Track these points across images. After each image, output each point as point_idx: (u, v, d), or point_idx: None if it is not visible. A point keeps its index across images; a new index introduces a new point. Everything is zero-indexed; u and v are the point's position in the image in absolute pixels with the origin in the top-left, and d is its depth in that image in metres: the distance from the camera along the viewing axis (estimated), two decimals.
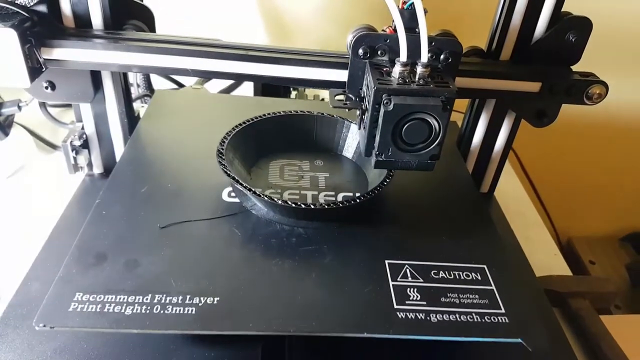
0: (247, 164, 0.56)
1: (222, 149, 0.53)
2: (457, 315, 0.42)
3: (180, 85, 0.92)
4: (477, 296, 0.44)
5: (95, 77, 0.59)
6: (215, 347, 0.45)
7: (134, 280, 0.42)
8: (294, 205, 0.47)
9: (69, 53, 0.52)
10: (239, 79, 0.55)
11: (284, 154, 0.59)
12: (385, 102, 0.40)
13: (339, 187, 0.55)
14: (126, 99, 0.62)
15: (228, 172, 0.50)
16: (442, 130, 0.41)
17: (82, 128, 0.63)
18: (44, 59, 0.51)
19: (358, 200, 0.49)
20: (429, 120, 0.41)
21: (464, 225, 0.53)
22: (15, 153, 0.76)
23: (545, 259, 0.71)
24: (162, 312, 0.40)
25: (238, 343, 0.45)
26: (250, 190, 0.48)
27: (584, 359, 0.57)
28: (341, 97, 0.49)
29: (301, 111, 0.61)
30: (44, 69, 0.52)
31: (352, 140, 0.60)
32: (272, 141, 0.59)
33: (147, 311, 0.40)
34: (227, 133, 0.55)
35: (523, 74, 0.56)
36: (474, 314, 0.42)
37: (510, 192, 0.80)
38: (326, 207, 0.48)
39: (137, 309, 0.40)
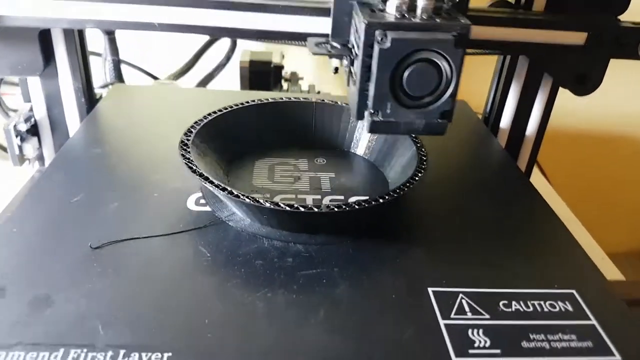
0: (223, 162, 0.41)
1: (188, 139, 0.38)
2: None
3: (155, 78, 0.78)
4: (574, 337, 0.28)
5: (45, 43, 0.47)
6: None
7: (40, 327, 0.27)
8: (288, 208, 0.32)
9: (7, 4, 0.41)
10: (216, 33, 0.46)
11: (273, 152, 0.45)
12: (379, 38, 0.30)
13: (350, 190, 0.40)
14: (84, 73, 0.51)
15: (193, 166, 0.35)
16: (455, 76, 0.31)
17: (30, 110, 0.51)
18: None
19: (389, 197, 0.34)
20: (438, 62, 0.30)
21: (526, 234, 0.38)
22: None
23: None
24: None
25: None
26: (224, 189, 0.33)
27: None
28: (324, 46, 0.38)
29: (295, 98, 0.46)
30: None
31: (364, 132, 0.45)
32: (258, 135, 0.45)
33: None
34: (195, 122, 0.41)
35: (565, 22, 0.45)
36: None
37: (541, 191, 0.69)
38: (336, 210, 0.33)
39: None
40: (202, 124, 0.40)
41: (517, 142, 0.55)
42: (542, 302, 0.30)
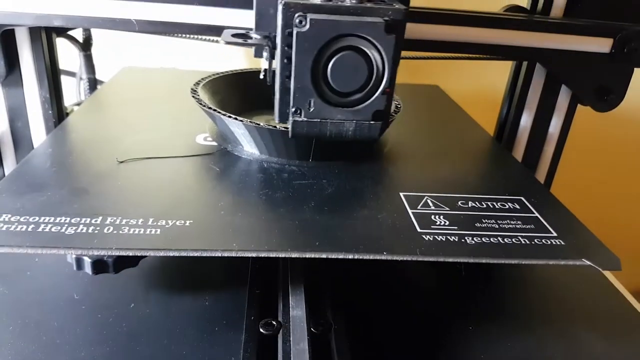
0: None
1: (196, 88, 0.45)
2: (500, 239, 0.32)
3: None
4: (519, 222, 0.35)
5: (8, 46, 0.43)
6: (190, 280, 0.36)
7: (81, 204, 0.32)
8: (283, 128, 0.38)
9: None
10: (202, 32, 0.42)
11: (269, 110, 0.51)
12: (298, 21, 0.27)
13: None
14: (52, 82, 0.46)
15: (202, 102, 0.42)
16: (389, 69, 0.28)
17: None
18: None
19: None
20: (367, 51, 0.28)
21: (486, 165, 0.45)
22: None
23: None
24: (115, 232, 0.30)
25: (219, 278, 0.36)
26: (230, 116, 0.40)
27: None
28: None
29: None
30: None
31: None
32: (256, 97, 0.51)
33: (95, 231, 0.30)
34: (202, 78, 0.47)
35: (588, 27, 0.42)
36: (520, 237, 0.33)
37: None
38: None
39: (81, 229, 0.30)
40: (207, 80, 0.47)
41: (534, 158, 0.52)
42: (494, 203, 0.37)
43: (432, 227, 0.33)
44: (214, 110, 0.40)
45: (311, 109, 0.29)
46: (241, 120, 0.39)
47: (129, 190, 0.35)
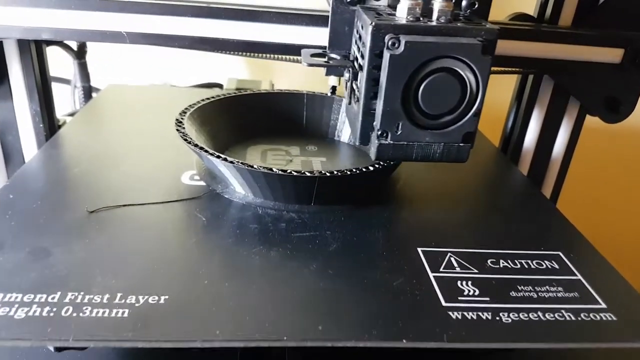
0: (216, 146, 0.42)
1: (182, 118, 0.39)
2: (541, 314, 0.27)
3: None
4: (560, 289, 0.29)
5: None
6: None
7: (38, 273, 0.27)
8: (280, 172, 0.33)
9: None
10: (195, 45, 0.40)
11: (266, 139, 0.45)
12: (390, 43, 0.25)
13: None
14: (43, 95, 0.45)
15: (187, 138, 0.36)
16: (482, 90, 0.27)
17: None
18: None
19: (379, 166, 0.35)
20: (461, 72, 0.26)
21: (516, 209, 0.39)
22: None
23: None
24: (74, 314, 0.24)
25: None
26: (219, 157, 0.34)
27: None
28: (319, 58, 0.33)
29: (287, 90, 0.48)
30: None
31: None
32: (251, 124, 0.46)
33: (51, 314, 0.24)
34: (189, 105, 0.42)
35: (598, 37, 0.40)
36: (563, 311, 0.27)
37: None
38: (328, 175, 0.33)
39: (34, 311, 0.24)
40: (196, 107, 0.41)
41: (540, 171, 0.50)
42: (529, 261, 0.31)
43: (460, 298, 0.28)
44: (201, 148, 0.35)
45: (399, 132, 0.27)
46: (231, 162, 0.33)
47: (96, 251, 0.29)
